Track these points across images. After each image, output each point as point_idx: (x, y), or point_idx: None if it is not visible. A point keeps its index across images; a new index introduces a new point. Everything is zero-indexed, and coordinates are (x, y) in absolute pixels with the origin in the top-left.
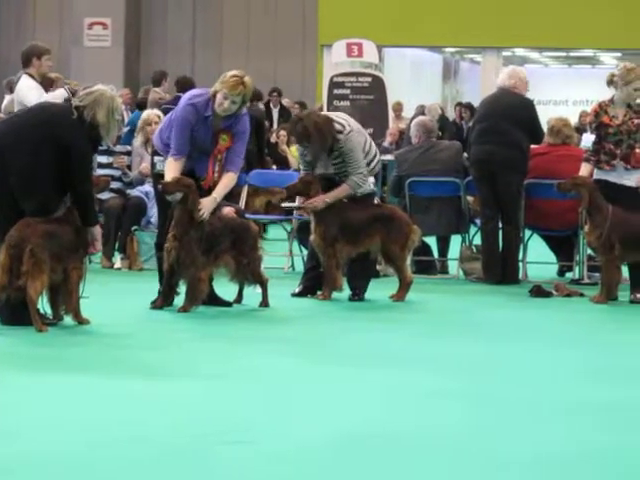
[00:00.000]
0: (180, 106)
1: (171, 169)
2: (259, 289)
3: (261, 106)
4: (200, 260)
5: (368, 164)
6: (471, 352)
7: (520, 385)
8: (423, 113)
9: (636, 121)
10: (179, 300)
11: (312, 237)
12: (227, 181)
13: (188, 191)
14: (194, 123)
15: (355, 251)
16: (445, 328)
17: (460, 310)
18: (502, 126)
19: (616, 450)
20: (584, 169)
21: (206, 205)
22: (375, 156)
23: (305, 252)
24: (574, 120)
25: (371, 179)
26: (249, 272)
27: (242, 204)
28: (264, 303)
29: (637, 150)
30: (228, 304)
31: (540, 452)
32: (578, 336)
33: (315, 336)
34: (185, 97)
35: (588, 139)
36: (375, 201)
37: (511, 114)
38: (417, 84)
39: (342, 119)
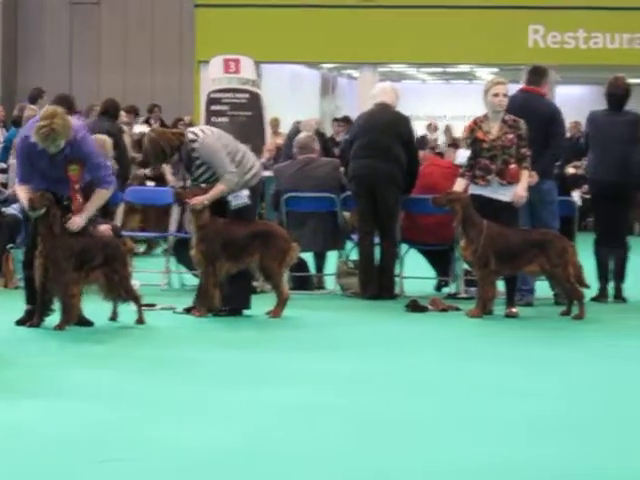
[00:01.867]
0: (19, 137)
1: (23, 191)
2: (134, 306)
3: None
4: (70, 276)
5: (242, 172)
6: (347, 368)
7: (394, 399)
8: (299, 129)
9: (510, 136)
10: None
11: (192, 252)
12: (96, 198)
13: (50, 205)
14: (31, 154)
15: (235, 268)
16: (321, 344)
17: (337, 325)
18: (381, 141)
19: (498, 465)
20: (459, 184)
21: (75, 222)
22: (251, 169)
23: (182, 269)
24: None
25: (245, 192)
26: (121, 288)
27: (119, 221)
28: (139, 320)
29: (512, 166)
30: (90, 323)
31: (417, 465)
32: (453, 350)
33: (189, 354)
34: (25, 127)
35: (463, 155)
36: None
37: (390, 129)
38: (295, 100)
39: (198, 130)
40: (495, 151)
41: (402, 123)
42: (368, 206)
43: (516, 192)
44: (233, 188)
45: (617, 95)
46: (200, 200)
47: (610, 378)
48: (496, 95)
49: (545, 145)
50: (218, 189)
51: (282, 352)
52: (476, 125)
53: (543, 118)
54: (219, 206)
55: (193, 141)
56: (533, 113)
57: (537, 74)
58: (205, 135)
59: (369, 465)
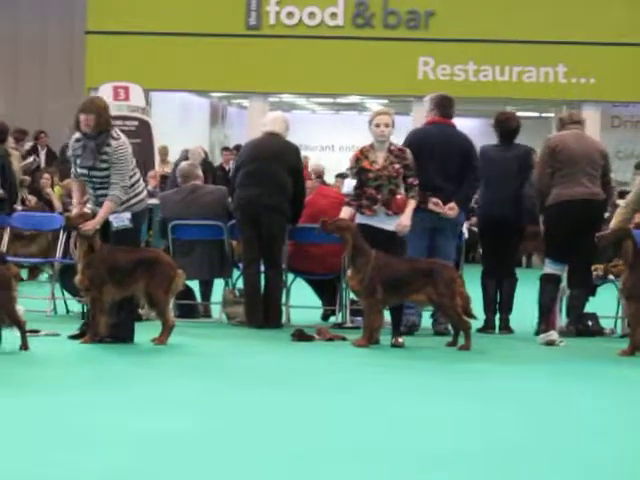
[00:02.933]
0: None
1: None
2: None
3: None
4: None
5: (131, 194)
6: (229, 397)
7: (277, 430)
8: (187, 157)
9: (397, 166)
10: None
11: (78, 278)
12: None
13: None
14: None
15: (121, 294)
16: (205, 372)
17: (223, 354)
18: (268, 170)
19: None
20: (344, 212)
21: None
22: (138, 194)
23: (67, 295)
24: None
25: (127, 214)
26: (4, 314)
27: (4, 247)
28: (23, 346)
29: (398, 196)
30: None
31: None
32: (338, 380)
33: (68, 381)
34: None
35: (349, 184)
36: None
37: (277, 158)
38: (185, 128)
39: (121, 133)
40: (381, 181)
41: (290, 152)
42: (253, 234)
43: (400, 221)
44: (118, 205)
45: (508, 129)
46: (92, 225)
47: (497, 411)
48: (377, 125)
49: (463, 177)
50: (106, 208)
51: (164, 379)
52: (362, 154)
53: (462, 150)
54: (101, 228)
55: (114, 138)
56: (452, 145)
57: (448, 106)
58: (125, 142)
59: None
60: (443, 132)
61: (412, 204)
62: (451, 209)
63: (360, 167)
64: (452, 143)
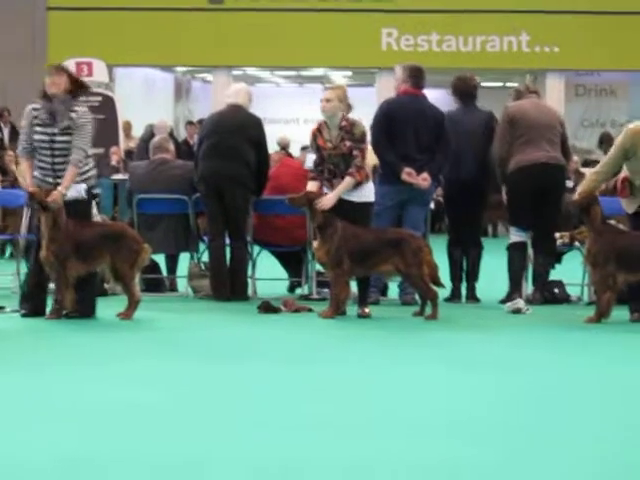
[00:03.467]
0: None
1: None
2: None
3: None
4: None
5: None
6: (196, 370)
7: (245, 401)
8: (152, 132)
9: (347, 143)
10: None
11: (42, 253)
12: None
13: None
14: None
15: (86, 269)
16: (172, 346)
17: (189, 328)
18: (231, 142)
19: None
20: (311, 186)
21: None
22: (91, 169)
23: None
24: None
25: (83, 186)
26: None
27: None
28: None
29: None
30: None
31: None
32: (305, 351)
33: (31, 358)
34: None
35: (311, 159)
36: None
37: (240, 131)
38: (149, 104)
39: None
40: (336, 159)
41: (252, 125)
42: (217, 207)
43: (322, 202)
44: (79, 167)
45: (466, 89)
46: (59, 194)
47: (461, 381)
48: (321, 101)
49: (435, 149)
50: (72, 172)
51: (131, 354)
52: (318, 131)
53: (435, 122)
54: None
55: (80, 105)
56: (426, 116)
57: (420, 77)
58: (87, 111)
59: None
60: (417, 103)
61: (346, 181)
62: (424, 180)
63: (317, 145)
64: (426, 114)
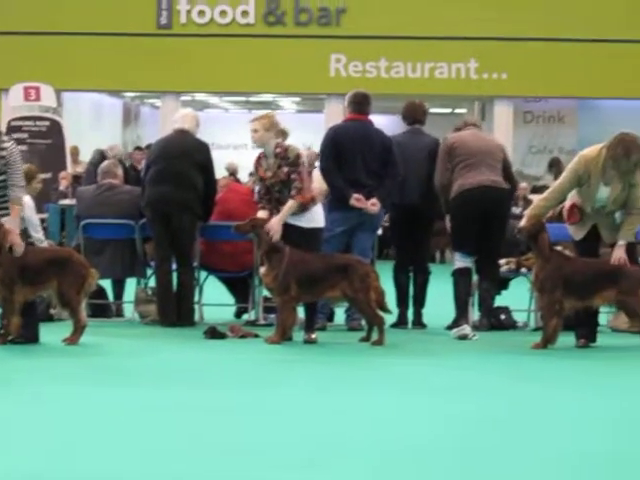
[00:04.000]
0: None
1: None
2: None
3: None
4: None
5: None
6: (142, 396)
7: (191, 426)
8: (103, 156)
9: (285, 169)
10: None
11: None
12: None
13: None
14: None
15: (32, 294)
16: (118, 372)
17: (135, 353)
18: (178, 167)
19: None
20: (262, 214)
21: None
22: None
23: None
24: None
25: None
26: None
27: None
28: None
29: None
30: None
31: None
32: (251, 377)
33: None
34: None
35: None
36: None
37: (187, 156)
38: (97, 128)
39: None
40: (277, 186)
41: (199, 150)
42: (164, 233)
43: (270, 225)
44: (20, 203)
45: (414, 113)
46: (15, 237)
47: (408, 406)
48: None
49: (384, 173)
50: (15, 211)
51: (76, 380)
52: (258, 162)
53: (382, 146)
54: None
55: (7, 140)
56: (372, 141)
57: (363, 102)
58: (15, 144)
59: None
60: (362, 129)
61: (288, 205)
62: (373, 205)
63: (259, 176)
64: (372, 139)
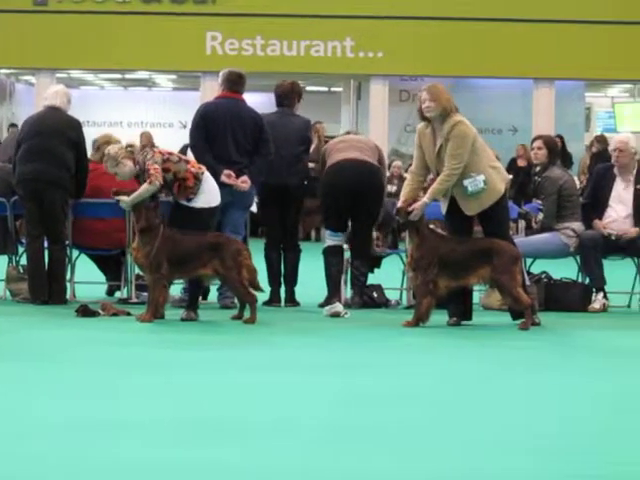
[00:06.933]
0: None
1: None
2: None
3: None
4: None
5: None
6: (11, 372)
7: (60, 404)
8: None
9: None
10: None
11: None
12: None
13: None
14: None
15: None
16: None
17: (6, 331)
18: (49, 145)
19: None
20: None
21: None
22: None
23: None
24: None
25: None
26: None
27: None
28: None
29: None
30: None
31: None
32: (121, 355)
33: None
34: None
35: None
36: None
37: (58, 133)
38: None
39: None
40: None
41: (71, 127)
42: (35, 210)
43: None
44: None
45: (283, 92)
46: None
47: (281, 383)
48: None
49: (255, 152)
50: None
51: None
52: None
53: (254, 124)
54: None
55: None
56: (244, 119)
57: (236, 81)
58: None
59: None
60: (234, 106)
61: (143, 188)
62: (244, 182)
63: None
64: (244, 117)
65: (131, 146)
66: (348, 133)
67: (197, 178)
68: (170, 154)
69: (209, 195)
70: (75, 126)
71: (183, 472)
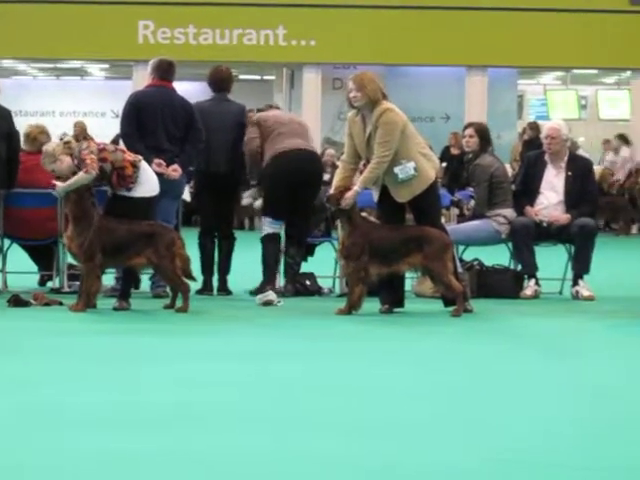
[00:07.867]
0: None
1: None
2: None
3: None
4: None
5: None
6: None
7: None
8: None
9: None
10: None
11: None
12: None
13: None
14: None
15: None
16: None
17: None
18: None
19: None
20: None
21: None
22: None
23: None
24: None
25: None
26: None
27: None
28: None
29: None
30: None
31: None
32: (53, 344)
33: None
34: None
35: None
36: None
37: None
38: None
39: None
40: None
41: (3, 116)
42: None
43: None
44: None
45: (218, 78)
46: None
47: (215, 371)
48: None
49: (185, 140)
50: None
51: None
52: None
53: (185, 113)
54: None
55: None
56: (175, 108)
57: (166, 69)
58: None
59: None
60: (164, 95)
61: (78, 175)
62: (175, 170)
63: None
64: (174, 105)
65: (68, 142)
66: (271, 107)
67: (135, 166)
68: (105, 144)
69: (147, 184)
70: (5, 116)
71: (110, 460)
